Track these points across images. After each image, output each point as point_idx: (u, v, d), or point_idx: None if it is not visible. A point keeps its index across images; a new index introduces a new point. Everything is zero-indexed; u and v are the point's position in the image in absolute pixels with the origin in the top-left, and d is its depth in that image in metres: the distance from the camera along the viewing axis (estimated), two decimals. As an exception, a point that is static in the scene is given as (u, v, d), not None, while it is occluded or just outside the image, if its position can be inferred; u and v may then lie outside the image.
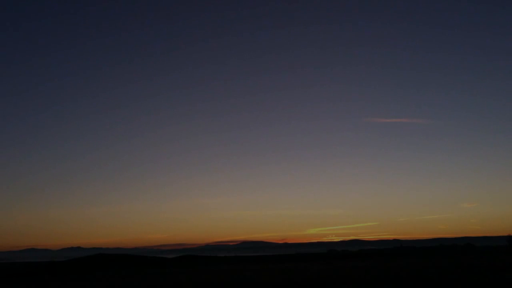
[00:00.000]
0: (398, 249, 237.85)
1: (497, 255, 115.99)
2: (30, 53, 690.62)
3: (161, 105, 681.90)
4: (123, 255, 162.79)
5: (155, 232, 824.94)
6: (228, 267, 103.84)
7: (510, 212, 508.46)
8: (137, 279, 73.13)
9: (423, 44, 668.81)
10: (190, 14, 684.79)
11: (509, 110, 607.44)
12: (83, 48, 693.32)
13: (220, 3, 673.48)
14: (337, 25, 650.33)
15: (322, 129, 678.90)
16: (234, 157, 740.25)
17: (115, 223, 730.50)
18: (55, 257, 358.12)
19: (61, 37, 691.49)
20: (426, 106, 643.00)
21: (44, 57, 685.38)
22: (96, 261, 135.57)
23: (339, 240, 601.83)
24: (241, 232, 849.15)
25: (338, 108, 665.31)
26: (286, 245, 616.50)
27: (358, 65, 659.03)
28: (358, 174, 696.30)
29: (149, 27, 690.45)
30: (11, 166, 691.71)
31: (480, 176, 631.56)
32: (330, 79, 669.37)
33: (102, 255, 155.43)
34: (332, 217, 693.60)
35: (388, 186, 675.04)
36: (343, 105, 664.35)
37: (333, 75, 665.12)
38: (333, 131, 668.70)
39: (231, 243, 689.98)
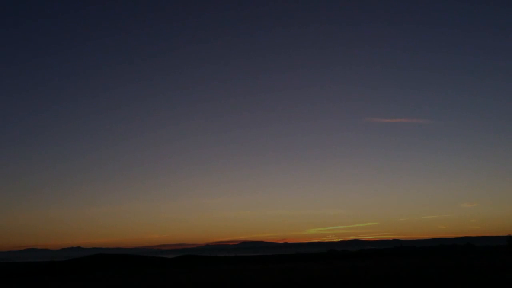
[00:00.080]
0: (398, 249, 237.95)
1: (497, 255, 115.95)
2: (30, 53, 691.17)
3: (161, 105, 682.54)
4: (123, 255, 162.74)
5: (155, 232, 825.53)
6: (228, 267, 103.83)
7: (510, 212, 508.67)
8: (137, 279, 73.12)
9: (423, 44, 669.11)
10: (190, 14, 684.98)
11: (509, 110, 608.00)
12: (83, 48, 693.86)
13: (220, 3, 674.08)
14: (337, 25, 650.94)
15: (322, 129, 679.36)
16: (234, 157, 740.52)
17: (115, 223, 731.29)
18: (55, 257, 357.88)
19: (61, 37, 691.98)
20: (426, 106, 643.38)
21: (44, 57, 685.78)
22: (96, 261, 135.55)
23: (339, 240, 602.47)
24: (241, 232, 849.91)
25: (338, 108, 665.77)
26: (286, 245, 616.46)
27: (358, 65, 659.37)
28: (358, 174, 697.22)
29: (149, 27, 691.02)
30: (11, 166, 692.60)
31: (480, 176, 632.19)
32: (330, 79, 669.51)
33: (102, 255, 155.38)
34: (332, 217, 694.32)
35: (388, 186, 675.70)
36: (343, 105, 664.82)
37: (333, 75, 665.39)
38: (333, 131, 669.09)
39: (231, 243, 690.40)
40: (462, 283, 46.04)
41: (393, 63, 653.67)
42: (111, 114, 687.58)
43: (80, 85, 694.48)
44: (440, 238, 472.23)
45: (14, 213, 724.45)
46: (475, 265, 72.44)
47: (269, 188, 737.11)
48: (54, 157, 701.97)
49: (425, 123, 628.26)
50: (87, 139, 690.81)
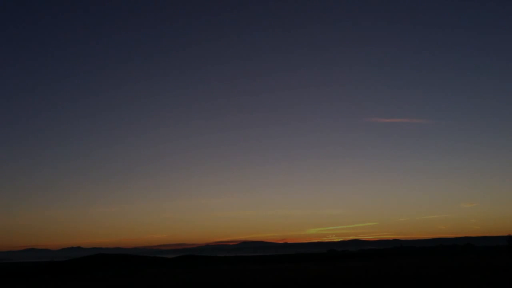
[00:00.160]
0: (398, 249, 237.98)
1: (497, 255, 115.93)
2: (31, 53, 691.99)
3: (161, 105, 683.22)
4: (123, 255, 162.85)
5: (155, 232, 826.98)
6: (228, 267, 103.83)
7: (510, 212, 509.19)
8: (137, 279, 73.12)
9: (423, 44, 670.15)
10: (190, 14, 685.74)
11: (509, 110, 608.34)
12: (83, 48, 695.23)
13: (220, 4, 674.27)
14: (337, 25, 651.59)
15: (322, 129, 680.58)
16: (234, 157, 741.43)
17: (115, 223, 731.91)
18: (55, 257, 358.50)
19: (61, 37, 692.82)
20: (426, 106, 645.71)
21: (44, 57, 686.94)
22: (96, 261, 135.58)
23: (339, 240, 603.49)
24: (241, 232, 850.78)
25: (338, 108, 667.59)
26: (286, 245, 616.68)
27: (358, 65, 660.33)
28: (358, 174, 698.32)
29: (149, 27, 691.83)
30: (11, 166, 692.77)
31: (480, 176, 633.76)
32: (330, 79, 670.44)
33: (102, 255, 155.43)
34: (332, 217, 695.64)
35: (388, 186, 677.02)
36: (343, 105, 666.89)
37: (333, 75, 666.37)
38: (333, 131, 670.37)
39: (231, 243, 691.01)
40: (462, 283, 46.02)
41: (393, 63, 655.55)
42: (111, 114, 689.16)
43: (80, 85, 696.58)
44: (440, 238, 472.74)
45: (14, 213, 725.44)
46: (475, 265, 72.42)
47: (269, 188, 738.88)
48: (54, 157, 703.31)
49: (425, 123, 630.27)
50: (87, 139, 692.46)
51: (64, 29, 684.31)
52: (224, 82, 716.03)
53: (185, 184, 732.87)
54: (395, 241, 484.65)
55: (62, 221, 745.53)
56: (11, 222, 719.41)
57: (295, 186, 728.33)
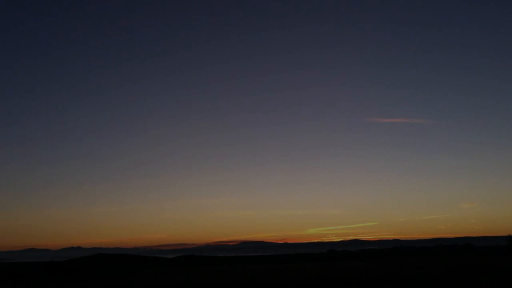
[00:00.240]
0: (398, 249, 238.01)
1: (497, 255, 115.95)
2: (31, 53, 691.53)
3: (161, 105, 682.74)
4: (123, 255, 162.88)
5: (155, 232, 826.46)
6: (228, 267, 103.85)
7: (510, 212, 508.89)
8: (137, 279, 73.13)
9: (423, 44, 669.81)
10: (190, 14, 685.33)
11: (509, 110, 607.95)
12: (84, 48, 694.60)
13: (220, 4, 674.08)
14: (337, 25, 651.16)
15: (322, 129, 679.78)
16: (234, 157, 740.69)
17: (115, 223, 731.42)
18: (55, 257, 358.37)
19: (61, 37, 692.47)
20: (426, 106, 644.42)
21: (44, 57, 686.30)
22: (96, 261, 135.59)
23: (339, 240, 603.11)
24: (241, 232, 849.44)
25: (338, 108, 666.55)
26: (286, 245, 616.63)
27: (358, 65, 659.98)
28: (358, 174, 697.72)
29: (149, 27, 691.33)
30: (11, 166, 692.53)
31: (480, 176, 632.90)
32: (330, 79, 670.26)
33: (102, 255, 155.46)
34: (332, 217, 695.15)
35: (388, 186, 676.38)
36: (343, 105, 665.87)
37: (333, 75, 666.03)
38: (333, 131, 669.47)
39: (231, 243, 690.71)
40: (462, 283, 46.03)
41: (393, 63, 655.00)
42: (111, 114, 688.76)
43: (80, 85, 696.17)
44: (440, 238, 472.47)
45: (14, 213, 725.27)
46: (475, 265, 72.44)
47: (269, 188, 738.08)
48: (54, 157, 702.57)
49: (425, 123, 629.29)
50: (87, 139, 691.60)
51: (64, 29, 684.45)
52: (224, 82, 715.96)
53: (185, 184, 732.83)
54: (395, 241, 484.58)
55: (62, 221, 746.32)
56: (11, 222, 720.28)
57: (295, 186, 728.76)
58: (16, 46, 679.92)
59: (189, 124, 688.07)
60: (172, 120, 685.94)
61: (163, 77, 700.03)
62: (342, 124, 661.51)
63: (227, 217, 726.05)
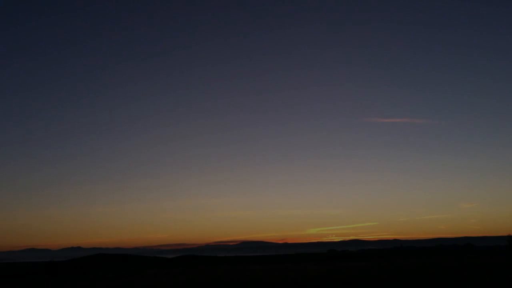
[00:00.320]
0: (398, 249, 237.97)
1: (497, 255, 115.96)
2: (31, 53, 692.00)
3: (161, 105, 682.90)
4: (123, 255, 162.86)
5: (155, 232, 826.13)
6: (228, 267, 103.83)
7: (510, 212, 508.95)
8: (137, 279, 73.13)
9: (423, 44, 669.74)
10: (190, 14, 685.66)
11: (509, 110, 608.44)
12: (83, 48, 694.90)
13: (220, 3, 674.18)
14: (337, 25, 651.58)
15: (322, 129, 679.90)
16: (234, 157, 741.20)
17: (115, 223, 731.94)
18: (55, 257, 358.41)
19: (61, 37, 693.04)
20: (426, 106, 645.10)
21: (44, 57, 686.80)
22: (96, 261, 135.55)
23: (339, 240, 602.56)
24: (241, 232, 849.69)
25: (338, 108, 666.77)
26: (286, 245, 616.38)
27: (358, 65, 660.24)
28: (358, 174, 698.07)
29: (149, 27, 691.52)
30: (11, 166, 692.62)
31: (480, 176, 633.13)
32: (330, 79, 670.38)
33: (102, 255, 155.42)
34: (332, 217, 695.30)
35: (388, 186, 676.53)
36: (343, 105, 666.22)
37: (333, 75, 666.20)
38: (333, 131, 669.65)
39: (231, 243, 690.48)
40: (462, 283, 46.03)
41: (393, 63, 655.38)
42: (111, 114, 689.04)
43: (80, 85, 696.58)
44: (440, 238, 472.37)
45: (14, 213, 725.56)
46: (475, 265, 72.43)
47: (269, 188, 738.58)
48: (54, 157, 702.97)
49: (425, 123, 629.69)
50: (87, 139, 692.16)
51: (64, 29, 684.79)
52: (224, 82, 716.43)
53: (185, 184, 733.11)
54: (395, 241, 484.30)
55: (62, 221, 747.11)
56: (11, 222, 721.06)
57: (295, 186, 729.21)
58: (16, 46, 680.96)
59: (189, 124, 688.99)
60: (172, 120, 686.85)
61: (163, 77, 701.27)
62: (342, 124, 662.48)
63: (227, 217, 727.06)
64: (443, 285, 44.99)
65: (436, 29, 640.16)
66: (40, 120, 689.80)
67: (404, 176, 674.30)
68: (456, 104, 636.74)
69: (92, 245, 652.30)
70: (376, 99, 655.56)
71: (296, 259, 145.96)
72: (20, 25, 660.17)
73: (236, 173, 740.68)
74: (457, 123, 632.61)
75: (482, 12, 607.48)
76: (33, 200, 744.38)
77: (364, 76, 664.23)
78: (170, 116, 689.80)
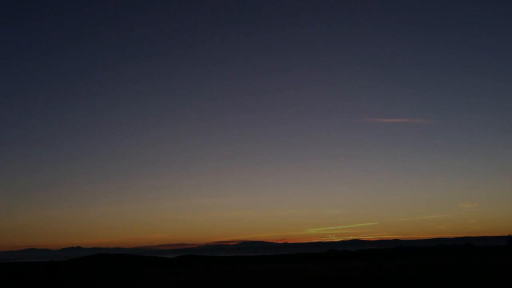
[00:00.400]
0: (398, 249, 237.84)
1: (497, 255, 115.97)
2: (30, 53, 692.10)
3: (161, 105, 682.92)
4: (123, 255, 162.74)
5: (155, 232, 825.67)
6: (228, 267, 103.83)
7: (510, 212, 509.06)
8: (137, 279, 73.14)
9: (423, 44, 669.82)
10: (190, 14, 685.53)
11: (509, 110, 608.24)
12: (83, 48, 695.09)
13: (220, 4, 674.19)
14: (337, 25, 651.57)
15: (322, 129, 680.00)
16: (234, 157, 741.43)
17: (115, 223, 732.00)
18: (55, 257, 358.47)
19: (61, 37, 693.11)
20: (426, 106, 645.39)
21: (44, 57, 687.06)
22: (96, 261, 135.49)
23: (339, 240, 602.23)
24: (241, 232, 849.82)
25: (338, 108, 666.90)
26: (286, 245, 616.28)
27: (358, 65, 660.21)
28: (358, 174, 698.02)
29: (149, 27, 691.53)
30: (11, 166, 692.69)
31: (480, 176, 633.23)
32: (330, 79, 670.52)
33: (102, 255, 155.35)
34: (332, 217, 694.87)
35: (388, 186, 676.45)
36: (343, 105, 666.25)
37: (333, 75, 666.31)
38: (333, 131, 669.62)
39: (231, 243, 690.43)
40: (462, 283, 46.04)
41: (393, 63, 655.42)
42: (111, 114, 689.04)
43: (80, 85, 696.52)
44: (440, 238, 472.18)
45: (14, 213, 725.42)
46: (475, 265, 72.44)
47: (269, 188, 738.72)
48: (54, 157, 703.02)
49: (425, 123, 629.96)
50: (87, 139, 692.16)
51: (64, 29, 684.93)
52: (224, 82, 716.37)
53: (185, 184, 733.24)
54: (395, 241, 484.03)
55: (62, 221, 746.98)
56: (11, 222, 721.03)
57: (295, 186, 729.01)
58: (16, 46, 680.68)
59: (189, 124, 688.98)
60: (172, 120, 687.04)
61: (163, 77, 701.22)
62: (342, 124, 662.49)
63: (227, 217, 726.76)
64: (443, 285, 44.99)
65: (436, 29, 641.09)
66: (40, 120, 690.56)
67: (404, 176, 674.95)
68: (456, 104, 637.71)
69: (92, 245, 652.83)
70: (376, 99, 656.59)
71: (296, 259, 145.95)
72: (20, 25, 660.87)
73: (236, 173, 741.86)
74: (457, 123, 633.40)
75: (482, 12, 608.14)
76: (33, 200, 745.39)
77: (364, 76, 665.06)
78: (170, 116, 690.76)
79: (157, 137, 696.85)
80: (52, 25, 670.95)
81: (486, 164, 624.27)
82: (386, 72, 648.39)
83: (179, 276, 74.26)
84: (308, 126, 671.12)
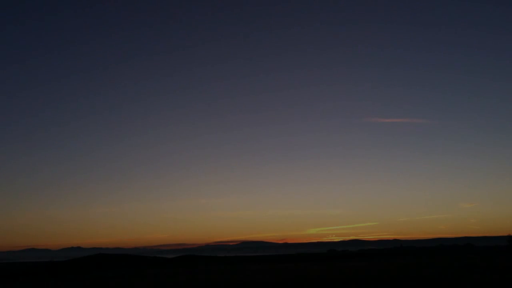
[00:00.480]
0: (398, 249, 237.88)
1: (497, 255, 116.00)
2: (30, 53, 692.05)
3: (161, 105, 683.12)
4: (123, 255, 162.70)
5: (155, 232, 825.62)
6: (228, 267, 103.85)
7: (510, 212, 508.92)
8: (137, 279, 73.13)
9: (423, 44, 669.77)
10: (190, 14, 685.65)
11: (509, 110, 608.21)
12: (83, 48, 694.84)
13: (220, 4, 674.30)
14: (337, 25, 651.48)
15: (322, 129, 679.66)
16: (234, 157, 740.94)
17: (115, 223, 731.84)
18: (55, 257, 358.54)
19: (61, 37, 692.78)
20: (426, 106, 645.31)
21: (44, 57, 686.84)
22: (96, 261, 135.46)
23: (339, 240, 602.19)
24: (241, 232, 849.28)
25: (338, 108, 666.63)
26: (286, 245, 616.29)
27: (359, 65, 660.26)
28: (358, 174, 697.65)
29: (149, 27, 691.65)
30: (11, 166, 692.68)
31: (480, 176, 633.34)
32: (330, 79, 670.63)
33: (102, 255, 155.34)
34: (332, 217, 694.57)
35: (388, 186, 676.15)
36: (343, 105, 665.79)
37: (333, 75, 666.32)
38: (333, 131, 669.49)
39: (231, 243, 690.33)
40: (462, 283, 46.04)
41: (393, 63, 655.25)
42: (111, 113, 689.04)
43: (80, 85, 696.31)
44: (440, 238, 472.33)
45: (14, 213, 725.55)
46: (475, 265, 72.45)
47: (269, 188, 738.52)
48: (54, 157, 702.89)
49: (425, 123, 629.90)
50: (87, 139, 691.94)
51: (64, 29, 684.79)
52: (224, 82, 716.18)
53: (185, 184, 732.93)
54: (395, 241, 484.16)
55: (62, 221, 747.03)
56: (11, 222, 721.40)
57: (295, 186, 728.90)
58: (16, 46, 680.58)
59: (189, 124, 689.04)
60: (172, 120, 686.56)
61: (163, 77, 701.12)
62: (342, 124, 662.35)
63: (227, 217, 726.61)
64: (443, 285, 44.99)
65: (436, 29, 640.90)
66: (40, 120, 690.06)
67: (404, 176, 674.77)
68: (456, 104, 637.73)
69: (92, 245, 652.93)
70: (376, 99, 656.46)
71: (296, 259, 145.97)
72: (20, 25, 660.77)
73: (236, 173, 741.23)
74: (457, 123, 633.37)
75: (482, 12, 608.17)
76: (33, 200, 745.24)
77: (364, 76, 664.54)
78: (170, 116, 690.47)
79: (157, 137, 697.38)
80: (52, 25, 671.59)
81: (486, 164, 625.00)
82: (386, 72, 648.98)
83: (179, 276, 74.25)
84: (308, 126, 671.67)
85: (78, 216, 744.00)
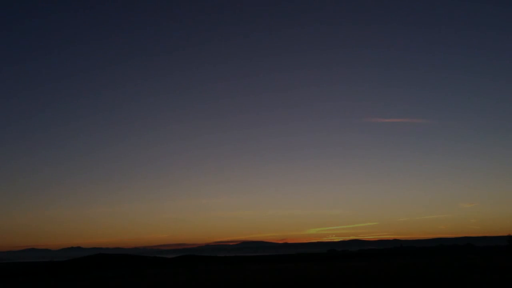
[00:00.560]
0: (398, 249, 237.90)
1: (497, 255, 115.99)
2: (31, 53, 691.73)
3: (161, 105, 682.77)
4: (123, 255, 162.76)
5: (155, 232, 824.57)
6: (228, 267, 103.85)
7: (510, 212, 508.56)
8: (137, 279, 73.14)
9: (423, 44, 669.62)
10: (190, 14, 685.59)
11: (509, 110, 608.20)
12: (83, 48, 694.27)
13: (220, 4, 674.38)
14: (337, 25, 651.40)
15: (322, 129, 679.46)
16: (234, 157, 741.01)
17: (115, 223, 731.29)
18: (55, 257, 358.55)
19: (61, 37, 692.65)
20: (426, 106, 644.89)
21: (44, 57, 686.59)
22: (96, 261, 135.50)
23: (339, 240, 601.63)
24: (241, 232, 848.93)
25: (338, 108, 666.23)
26: (286, 245, 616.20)
27: (359, 65, 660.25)
28: (358, 174, 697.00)
29: (149, 27, 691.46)
30: (11, 166, 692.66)
31: (480, 176, 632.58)
32: (330, 79, 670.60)
33: (102, 255, 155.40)
34: (332, 217, 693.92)
35: (388, 186, 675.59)
36: (343, 105, 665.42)
37: (333, 75, 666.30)
38: (333, 131, 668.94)
39: (231, 243, 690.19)
40: (462, 283, 46.05)
41: (393, 63, 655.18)
42: (111, 114, 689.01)
43: (80, 85, 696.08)
44: (440, 238, 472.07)
45: (14, 213, 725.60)
46: (475, 265, 72.45)
47: (269, 188, 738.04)
48: (54, 157, 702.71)
49: (424, 123, 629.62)
50: (87, 139, 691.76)
51: (64, 29, 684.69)
52: (224, 82, 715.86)
53: (185, 184, 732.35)
54: (395, 241, 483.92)
55: (62, 221, 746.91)
56: (11, 222, 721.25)
57: (295, 186, 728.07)
58: (16, 46, 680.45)
59: (189, 124, 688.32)
60: (172, 120, 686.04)
61: (163, 77, 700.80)
62: (342, 124, 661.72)
63: (227, 217, 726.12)
64: (443, 285, 45.00)
65: (436, 29, 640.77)
66: (39, 120, 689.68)
67: (404, 176, 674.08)
68: (456, 104, 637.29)
69: (92, 245, 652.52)
70: (376, 99, 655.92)
71: (296, 259, 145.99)
72: (20, 25, 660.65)
73: (236, 173, 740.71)
74: (457, 123, 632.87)
75: (482, 12, 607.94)
76: (33, 200, 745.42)
77: (364, 76, 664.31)
78: (170, 116, 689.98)
79: (157, 137, 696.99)
80: (52, 25, 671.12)
81: (486, 164, 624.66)
82: (386, 72, 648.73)
83: (179, 276, 74.26)
84: (308, 126, 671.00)
85: (78, 216, 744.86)
